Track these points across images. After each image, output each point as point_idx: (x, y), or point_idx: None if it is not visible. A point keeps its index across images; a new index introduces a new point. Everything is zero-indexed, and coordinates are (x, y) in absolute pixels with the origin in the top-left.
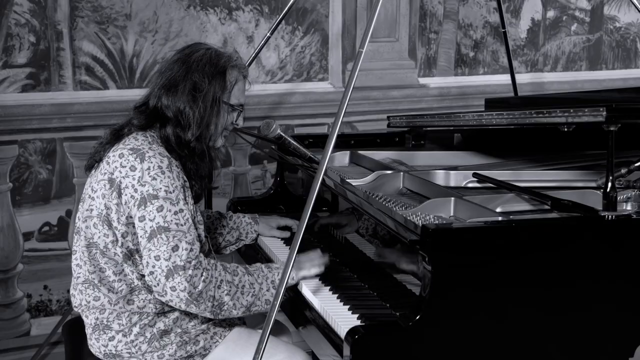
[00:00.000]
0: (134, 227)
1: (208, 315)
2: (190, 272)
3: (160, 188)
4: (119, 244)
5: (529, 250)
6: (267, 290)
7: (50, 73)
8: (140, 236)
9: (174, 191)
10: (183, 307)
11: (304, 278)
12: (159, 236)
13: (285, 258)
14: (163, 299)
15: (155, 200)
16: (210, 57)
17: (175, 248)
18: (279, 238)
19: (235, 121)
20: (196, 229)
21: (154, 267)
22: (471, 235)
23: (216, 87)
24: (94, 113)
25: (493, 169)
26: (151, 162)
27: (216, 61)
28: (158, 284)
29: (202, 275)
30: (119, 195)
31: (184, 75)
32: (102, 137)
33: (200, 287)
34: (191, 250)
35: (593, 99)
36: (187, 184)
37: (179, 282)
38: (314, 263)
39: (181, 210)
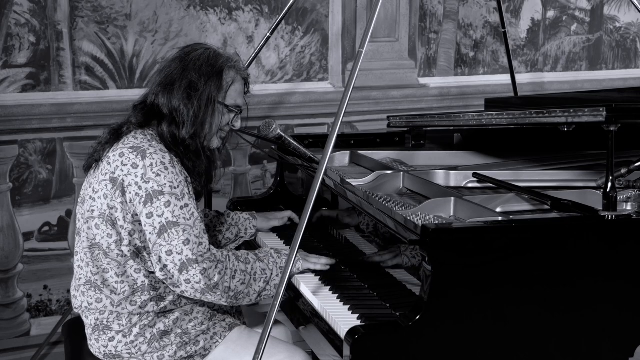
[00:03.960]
0: (140, 224)
1: (224, 303)
2: (204, 265)
3: (165, 184)
4: (126, 242)
5: (529, 250)
6: (277, 276)
7: (50, 73)
8: (150, 232)
9: (178, 186)
10: (198, 296)
11: (308, 270)
12: (169, 231)
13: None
14: (177, 290)
15: (162, 196)
16: (208, 57)
17: (186, 242)
18: (278, 237)
19: (232, 123)
20: None
21: (166, 261)
22: (471, 235)
23: (212, 86)
24: (94, 113)
25: (493, 169)
26: (153, 159)
27: (214, 61)
28: (172, 277)
29: (216, 268)
30: (123, 193)
31: (180, 74)
32: (101, 137)
33: (216, 279)
34: (200, 243)
35: (593, 99)
36: (190, 179)
37: (193, 275)
38: (321, 261)
39: (186, 205)
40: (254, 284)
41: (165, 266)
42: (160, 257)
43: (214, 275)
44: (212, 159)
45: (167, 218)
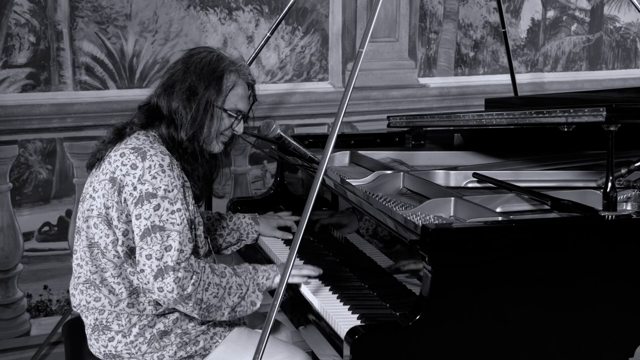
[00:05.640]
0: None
1: (195, 315)
2: (179, 274)
3: (160, 187)
4: (120, 242)
5: (529, 250)
6: (253, 292)
7: (50, 73)
8: (135, 234)
9: (172, 190)
10: (171, 305)
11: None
12: (152, 235)
13: (286, 258)
14: (153, 297)
15: (153, 199)
16: (210, 60)
17: (168, 248)
18: (279, 238)
19: (233, 127)
20: (195, 229)
21: (144, 265)
22: (471, 235)
23: (211, 90)
24: (94, 113)
25: (493, 169)
26: (152, 161)
27: (215, 65)
28: (147, 283)
29: (191, 279)
30: (119, 193)
31: (182, 76)
32: (104, 136)
33: (189, 290)
34: (182, 251)
35: (593, 99)
36: (188, 183)
37: (167, 283)
38: (302, 272)
39: (178, 210)
40: (227, 298)
41: (142, 270)
42: (139, 260)
43: (188, 285)
44: (215, 163)
45: (154, 222)
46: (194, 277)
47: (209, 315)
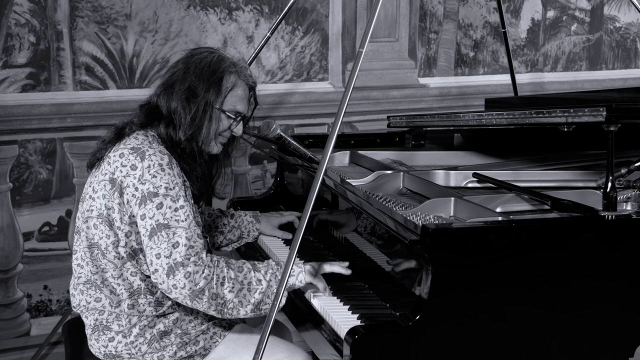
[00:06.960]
0: (137, 226)
1: (213, 313)
2: (189, 268)
3: (161, 185)
4: (122, 244)
5: (528, 250)
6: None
7: (50, 73)
8: (143, 235)
9: (174, 188)
10: (189, 303)
11: (310, 284)
12: (159, 233)
13: (285, 258)
14: (170, 296)
15: (155, 198)
16: (210, 61)
17: (175, 245)
18: (279, 238)
19: (232, 128)
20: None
21: (156, 265)
22: (471, 235)
23: (211, 92)
24: (94, 113)
25: (493, 169)
26: (151, 160)
27: (216, 66)
28: (162, 283)
29: (203, 272)
30: (121, 194)
31: (182, 76)
32: (104, 136)
33: (201, 285)
34: (191, 246)
35: (593, 99)
36: (188, 183)
37: (179, 279)
38: (334, 268)
39: (182, 207)
40: (248, 295)
41: (156, 270)
42: (151, 260)
43: (200, 280)
44: (217, 164)
45: (158, 220)
46: (205, 270)
47: (227, 312)
